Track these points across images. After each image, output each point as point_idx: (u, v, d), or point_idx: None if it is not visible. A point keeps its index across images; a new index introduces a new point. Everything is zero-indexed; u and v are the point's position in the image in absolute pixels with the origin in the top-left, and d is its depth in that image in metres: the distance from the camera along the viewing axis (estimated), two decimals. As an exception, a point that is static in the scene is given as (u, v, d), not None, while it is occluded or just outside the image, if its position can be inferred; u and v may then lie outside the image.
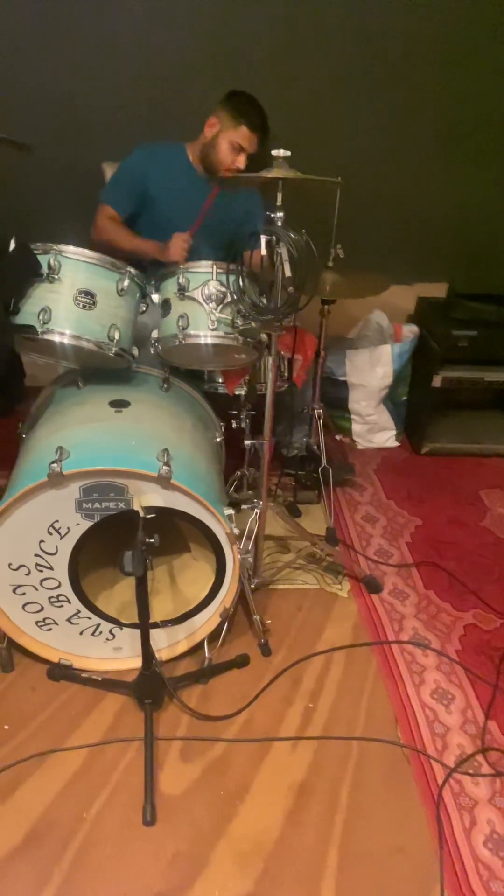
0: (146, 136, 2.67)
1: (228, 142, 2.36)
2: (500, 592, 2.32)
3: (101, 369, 2.03)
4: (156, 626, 1.92)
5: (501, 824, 1.60)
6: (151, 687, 1.78)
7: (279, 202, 1.76)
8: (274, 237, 1.71)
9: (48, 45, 2.73)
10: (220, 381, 2.28)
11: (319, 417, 2.60)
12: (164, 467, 1.66)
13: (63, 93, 2.81)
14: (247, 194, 2.52)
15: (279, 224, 1.73)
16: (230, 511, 1.84)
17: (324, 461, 2.60)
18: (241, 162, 2.37)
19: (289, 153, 1.74)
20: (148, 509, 1.69)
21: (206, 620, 1.96)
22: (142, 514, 1.66)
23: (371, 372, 3.09)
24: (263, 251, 1.72)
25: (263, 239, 1.71)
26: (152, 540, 1.52)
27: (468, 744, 1.79)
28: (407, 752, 1.77)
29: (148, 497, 1.72)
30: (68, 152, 2.88)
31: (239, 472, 2.47)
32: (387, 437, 3.24)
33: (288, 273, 1.65)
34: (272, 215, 1.74)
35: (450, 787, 1.68)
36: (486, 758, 1.76)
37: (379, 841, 1.55)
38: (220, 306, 1.88)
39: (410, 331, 3.16)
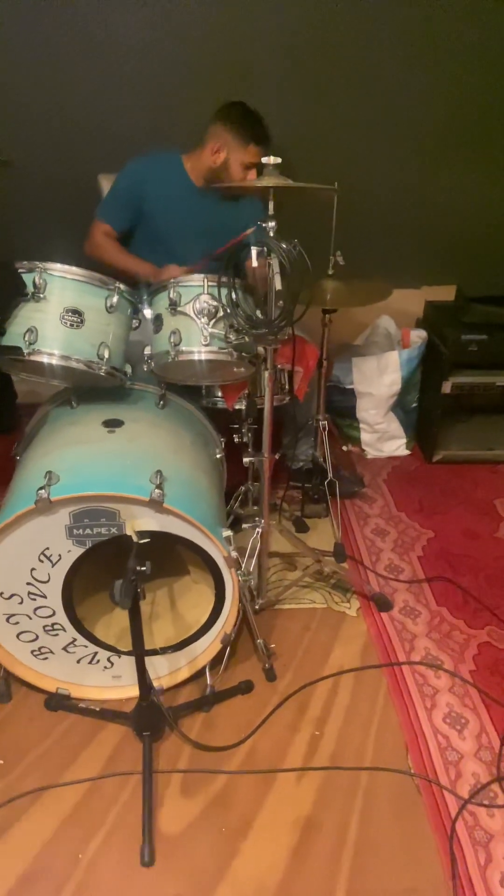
0: (144, 146, 2.62)
1: (240, 163, 2.34)
2: (515, 608, 2.23)
3: (95, 388, 1.97)
4: (155, 653, 1.86)
5: (519, 860, 1.52)
6: (150, 718, 1.72)
7: (271, 211, 1.70)
8: (265, 248, 1.64)
9: (43, 53, 2.69)
10: (220, 395, 2.21)
11: (324, 429, 2.53)
12: (157, 490, 1.60)
13: (56, 102, 2.78)
14: (250, 203, 2.46)
15: (270, 234, 1.66)
16: (228, 533, 1.77)
17: (330, 474, 2.52)
18: (252, 175, 2.35)
19: (279, 160, 1.67)
20: (141, 534, 1.63)
21: (208, 646, 1.89)
22: (135, 539, 1.61)
23: (379, 379, 3.01)
24: (255, 263, 1.65)
25: (254, 251, 1.65)
26: (143, 568, 1.46)
27: (483, 772, 1.71)
28: (418, 782, 1.69)
29: (141, 522, 1.66)
30: (62, 164, 2.85)
31: (243, 488, 2.40)
32: (397, 446, 3.16)
33: (279, 286, 1.58)
34: (263, 225, 1.68)
35: (464, 819, 1.60)
36: (502, 787, 1.67)
37: (389, 880, 1.47)
38: (213, 321, 1.82)
39: (419, 336, 3.08)
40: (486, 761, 1.73)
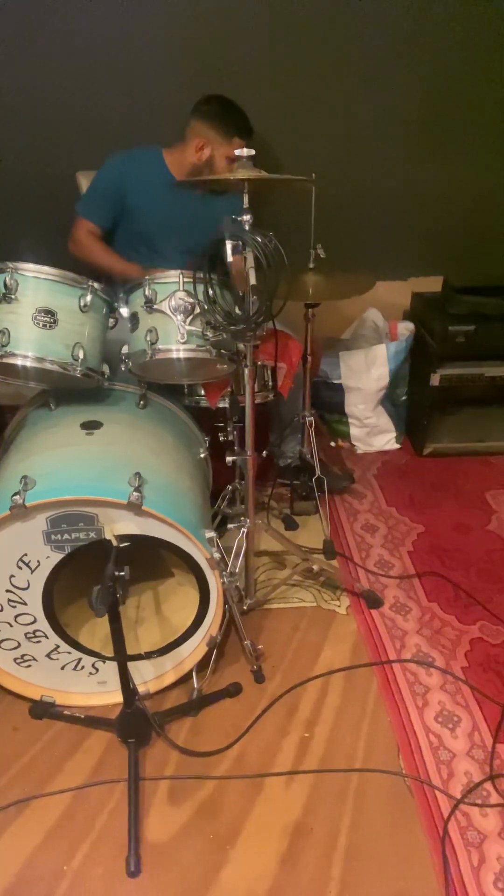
0: (123, 141, 2.58)
1: (225, 157, 2.31)
2: (508, 602, 2.20)
3: (73, 389, 1.94)
4: (140, 657, 1.83)
5: (513, 861, 1.49)
6: (135, 724, 1.69)
7: (246, 204, 1.66)
8: (240, 242, 1.60)
9: (18, 49, 2.64)
10: (202, 394, 2.18)
11: (311, 425, 2.50)
12: (135, 493, 1.56)
13: (32, 98, 2.72)
14: (232, 197, 2.42)
15: (245, 228, 1.62)
16: (212, 534, 1.74)
17: (317, 470, 2.49)
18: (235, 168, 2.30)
19: (253, 152, 1.64)
20: (121, 538, 1.60)
21: (194, 650, 1.86)
22: (114, 543, 1.57)
23: (367, 374, 2.98)
24: (230, 257, 1.62)
25: (230, 244, 1.61)
26: (122, 573, 1.43)
27: (475, 771, 1.68)
28: (410, 782, 1.66)
29: (120, 525, 1.62)
30: (39, 162, 2.80)
31: (230, 487, 2.37)
32: (386, 440, 3.13)
33: (254, 281, 1.54)
34: (238, 219, 1.64)
35: (456, 820, 1.57)
36: (494, 786, 1.64)
37: (380, 885, 1.44)
38: (190, 318, 1.78)
39: (406, 328, 3.05)
40: (479, 760, 1.70)
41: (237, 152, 1.64)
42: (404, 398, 3.17)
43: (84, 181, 2.67)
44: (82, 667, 1.83)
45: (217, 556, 1.70)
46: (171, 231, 2.43)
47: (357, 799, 1.62)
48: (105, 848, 1.52)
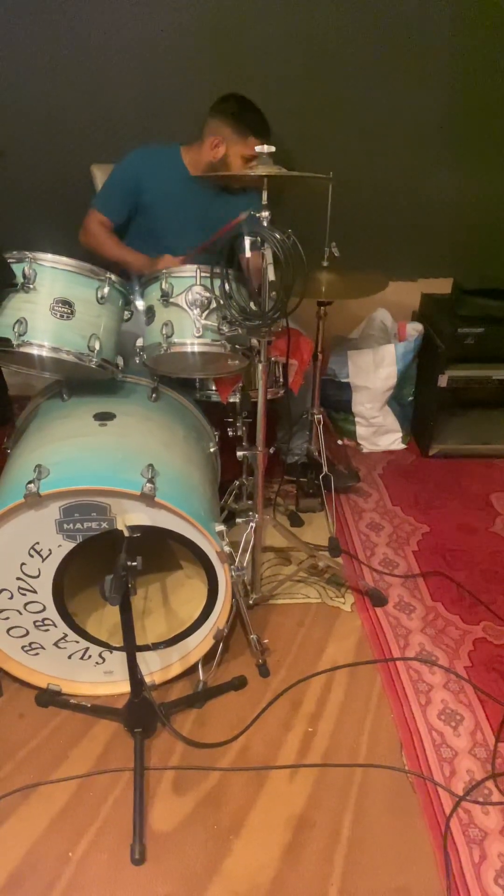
0: (138, 135, 2.60)
1: (241, 157, 2.31)
2: (511, 603, 2.22)
3: (86, 380, 1.95)
4: (147, 648, 1.84)
5: (513, 858, 1.50)
6: (141, 715, 1.70)
7: (265, 200, 1.67)
8: (259, 238, 1.61)
9: (36, 43, 2.65)
10: (213, 388, 2.19)
11: (319, 423, 2.51)
12: (148, 484, 1.58)
13: (50, 92, 2.74)
14: (247, 196, 2.43)
15: (264, 224, 1.63)
16: (221, 528, 1.75)
17: (325, 468, 2.50)
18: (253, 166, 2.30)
19: (273, 149, 1.65)
20: (133, 528, 1.61)
21: (201, 642, 1.87)
22: (126, 534, 1.58)
23: (374, 373, 2.99)
24: (248, 253, 1.63)
25: (248, 241, 1.62)
26: (135, 563, 1.44)
27: (478, 769, 1.69)
28: (412, 779, 1.67)
29: (132, 516, 1.63)
30: (55, 154, 2.81)
31: (237, 482, 2.38)
32: (392, 440, 3.14)
33: (272, 277, 1.55)
34: (257, 215, 1.65)
35: (458, 817, 1.58)
36: (496, 784, 1.66)
37: (381, 880, 1.46)
38: (206, 312, 1.79)
39: (415, 329, 3.05)
40: (481, 758, 1.72)
41: (257, 149, 1.65)
42: (411, 398, 3.18)
43: (99, 174, 2.68)
44: (89, 656, 1.84)
45: (227, 549, 1.71)
46: (185, 228, 2.43)
47: (360, 794, 1.63)
48: (110, 835, 1.53)
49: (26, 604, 1.73)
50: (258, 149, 1.64)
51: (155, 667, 1.89)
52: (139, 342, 1.90)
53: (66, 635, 1.79)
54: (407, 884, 1.45)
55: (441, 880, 1.46)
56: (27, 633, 1.78)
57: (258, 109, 2.32)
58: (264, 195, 1.66)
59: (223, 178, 2.23)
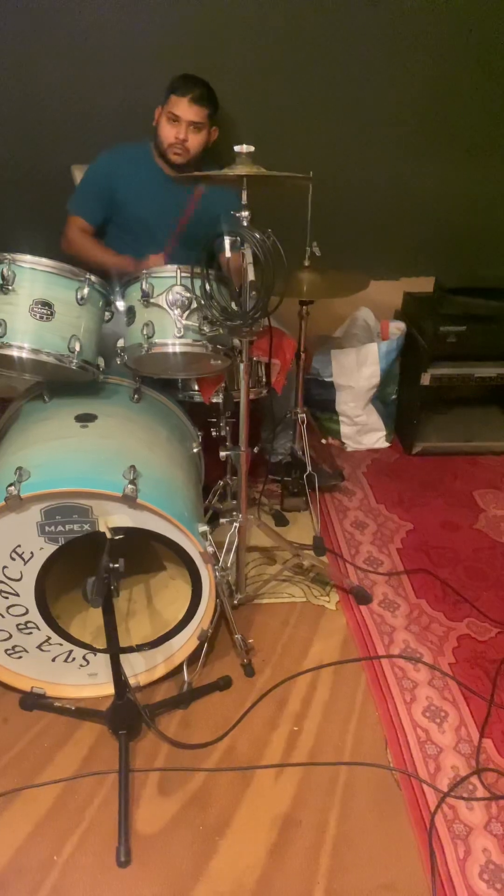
0: (118, 135, 2.58)
1: (165, 117, 2.28)
2: (495, 599, 2.22)
3: (68, 382, 1.94)
4: (131, 650, 1.83)
5: (497, 853, 1.51)
6: (126, 716, 1.69)
7: (244, 200, 1.66)
8: (238, 238, 1.61)
9: (12, 42, 2.63)
10: (196, 389, 2.19)
11: (303, 422, 2.51)
12: (130, 486, 1.57)
13: (28, 92, 2.71)
14: (225, 193, 2.42)
15: (244, 224, 1.63)
16: (204, 528, 1.74)
17: (309, 467, 2.51)
18: (181, 133, 2.27)
19: (252, 148, 1.64)
20: (115, 530, 1.61)
21: (185, 643, 1.87)
22: (108, 535, 1.58)
23: (358, 372, 3.00)
24: (228, 253, 1.63)
25: (227, 241, 1.62)
26: (117, 565, 1.43)
27: (462, 765, 1.70)
28: (397, 776, 1.68)
29: (114, 518, 1.63)
30: (32, 155, 2.79)
31: (221, 482, 2.38)
32: (376, 439, 3.14)
33: (252, 276, 1.55)
34: (237, 215, 1.65)
35: (443, 813, 1.59)
36: (480, 779, 1.67)
37: (367, 877, 1.46)
38: (187, 312, 1.79)
39: (397, 328, 3.06)
40: (466, 754, 1.72)
41: (236, 148, 1.64)
42: (394, 397, 3.19)
43: (78, 174, 2.67)
44: (73, 658, 1.83)
45: (210, 549, 1.71)
46: (160, 225, 2.42)
47: (345, 792, 1.63)
48: (95, 838, 1.53)
49: (8, 607, 1.72)
50: (237, 148, 1.63)
51: (139, 668, 1.88)
52: (120, 343, 1.90)
53: (49, 638, 1.78)
54: (393, 880, 1.46)
55: (426, 876, 1.46)
56: (10, 636, 1.77)
57: (197, 78, 2.28)
58: (244, 195, 1.65)
59: (199, 177, 2.22)
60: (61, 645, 1.80)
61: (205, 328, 1.79)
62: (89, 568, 1.44)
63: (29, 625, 1.75)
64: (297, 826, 1.56)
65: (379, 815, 1.59)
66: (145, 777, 1.66)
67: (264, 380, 2.19)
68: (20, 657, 1.81)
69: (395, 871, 1.47)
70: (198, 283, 1.76)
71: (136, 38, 2.66)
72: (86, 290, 1.76)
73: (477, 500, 2.76)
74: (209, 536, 1.75)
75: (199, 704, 1.85)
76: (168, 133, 2.28)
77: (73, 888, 1.44)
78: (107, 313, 1.89)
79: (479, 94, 2.91)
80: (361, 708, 1.85)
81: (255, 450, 2.05)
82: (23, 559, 1.64)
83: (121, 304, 1.91)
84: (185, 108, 2.23)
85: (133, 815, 1.57)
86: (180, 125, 2.25)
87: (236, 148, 1.64)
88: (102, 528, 1.61)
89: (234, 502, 2.34)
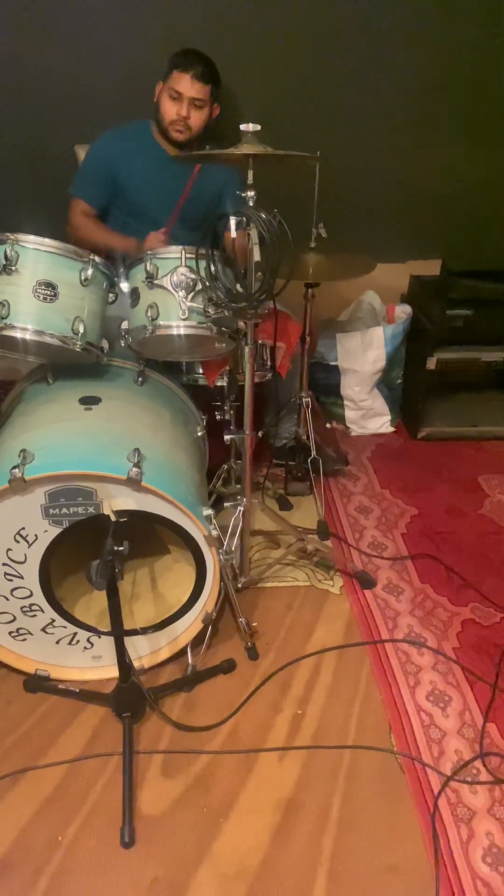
0: (120, 115, 2.55)
1: (167, 94, 2.25)
2: (500, 584, 2.22)
3: (71, 364, 1.92)
4: (135, 633, 1.83)
5: (501, 836, 1.51)
6: (130, 699, 1.69)
7: (250, 180, 1.64)
8: (244, 218, 1.59)
9: (15, 22, 2.59)
10: (200, 372, 2.17)
11: (308, 406, 2.50)
12: (134, 469, 1.56)
13: (30, 70, 2.68)
14: (222, 170, 2.39)
15: (250, 204, 1.61)
16: (209, 512, 1.74)
17: (313, 451, 2.50)
18: (183, 110, 2.24)
19: (258, 127, 1.62)
20: (120, 513, 1.60)
21: (189, 626, 1.87)
22: (113, 518, 1.57)
23: (363, 356, 2.98)
24: (233, 234, 1.61)
25: (233, 221, 1.60)
26: (121, 548, 1.43)
27: (466, 749, 1.70)
28: (401, 760, 1.67)
29: (119, 501, 1.62)
30: (35, 134, 2.76)
31: (226, 466, 2.37)
32: (381, 423, 3.13)
33: (257, 257, 1.53)
34: (243, 195, 1.63)
35: (446, 796, 1.59)
36: (484, 763, 1.67)
37: (370, 859, 1.46)
38: (192, 294, 1.77)
39: (403, 311, 3.04)
40: (469, 738, 1.72)
41: (242, 127, 1.62)
42: (400, 381, 3.17)
43: (82, 154, 2.64)
44: (77, 641, 1.83)
45: (214, 533, 1.70)
46: (163, 205, 2.39)
47: (349, 775, 1.64)
48: (99, 819, 1.53)
49: (13, 589, 1.71)
50: (244, 127, 1.61)
51: (143, 651, 1.88)
52: (124, 325, 1.88)
53: (53, 620, 1.78)
54: (396, 863, 1.46)
55: (430, 859, 1.46)
56: (14, 618, 1.77)
57: (199, 53, 2.25)
58: (250, 174, 1.63)
59: (202, 156, 2.19)
60: (65, 627, 1.80)
61: (209, 310, 1.77)
62: (94, 551, 1.44)
63: (33, 607, 1.75)
64: (300, 809, 1.56)
65: (382, 798, 1.59)
66: (149, 759, 1.67)
67: (269, 363, 2.18)
68: (24, 639, 1.81)
69: (399, 854, 1.48)
70: (202, 264, 1.74)
71: (139, 14, 2.63)
72: (89, 272, 1.74)
73: (482, 486, 2.75)
74: (213, 520, 1.74)
75: (203, 687, 1.85)
76: (169, 110, 2.25)
77: (77, 868, 1.44)
78: (111, 295, 1.88)
79: (488, 77, 2.87)
80: (365, 692, 1.85)
81: (260, 434, 2.05)
82: (27, 542, 1.64)
83: (125, 286, 1.89)
84: (188, 85, 2.20)
85: (137, 797, 1.58)
86: (182, 102, 2.23)
87: (242, 127, 1.61)
88: (107, 511, 1.61)
89: (239, 486, 2.34)
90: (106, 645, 1.84)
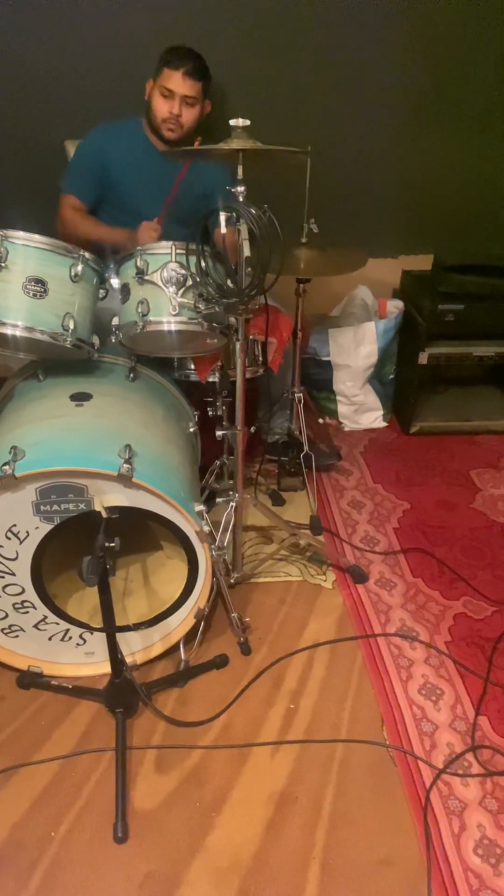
0: (113, 112, 2.54)
1: (158, 91, 2.24)
2: (491, 578, 2.23)
3: (62, 360, 1.92)
4: (128, 629, 1.83)
5: (492, 828, 1.52)
6: (123, 694, 1.70)
7: (240, 175, 1.64)
8: (234, 214, 1.59)
9: (4, 11, 2.58)
10: (192, 368, 2.17)
11: (300, 401, 2.50)
12: (126, 465, 1.56)
13: (19, 65, 2.66)
14: (214, 167, 2.38)
15: (240, 199, 1.61)
16: (201, 507, 1.74)
17: (306, 447, 2.50)
18: (174, 107, 2.23)
19: (248, 122, 1.62)
20: (111, 510, 1.60)
21: (182, 621, 1.87)
22: (104, 515, 1.57)
23: (355, 351, 2.98)
24: (223, 229, 1.60)
25: (223, 216, 1.60)
26: (113, 544, 1.43)
27: (457, 742, 1.71)
28: (393, 753, 1.68)
29: (110, 497, 1.62)
30: (25, 130, 2.74)
31: (218, 462, 2.37)
32: (374, 418, 3.13)
33: (247, 253, 1.53)
34: (233, 190, 1.63)
35: (438, 789, 1.60)
36: (475, 756, 1.68)
37: (363, 852, 1.47)
38: (182, 290, 1.77)
39: (395, 306, 3.04)
40: (461, 731, 1.73)
41: (232, 122, 1.61)
42: (392, 376, 3.17)
43: (72, 149, 2.63)
44: (70, 637, 1.83)
45: (206, 529, 1.70)
46: (154, 201, 2.39)
47: (341, 768, 1.64)
48: (92, 815, 1.54)
49: (5, 586, 1.71)
50: (233, 122, 1.60)
51: (136, 647, 1.89)
52: (115, 321, 1.88)
53: (45, 617, 1.78)
54: (388, 856, 1.47)
55: (422, 851, 1.47)
56: (6, 615, 1.77)
57: (190, 50, 2.24)
58: (240, 169, 1.63)
59: (193, 152, 2.18)
60: (58, 624, 1.80)
61: (200, 306, 1.77)
62: (86, 547, 1.44)
63: (25, 604, 1.75)
64: (293, 803, 1.57)
65: (375, 791, 1.60)
66: (142, 754, 1.67)
67: (261, 359, 2.18)
68: (17, 636, 1.81)
69: (391, 846, 1.48)
70: (193, 259, 1.74)
71: (129, 9, 2.62)
72: (80, 267, 1.73)
73: (474, 480, 2.76)
74: (205, 516, 1.75)
75: (196, 683, 1.86)
76: (161, 108, 2.24)
77: (70, 863, 1.45)
78: (101, 291, 1.87)
79: (479, 71, 2.86)
80: (358, 686, 1.86)
81: (252, 429, 2.05)
82: (18, 539, 1.64)
83: (115, 282, 1.88)
84: (179, 83, 2.19)
85: (130, 792, 1.58)
86: (173, 100, 2.22)
87: (232, 122, 1.61)
88: (98, 508, 1.61)
89: (231, 482, 2.34)
90: (98, 641, 1.84)
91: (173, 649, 1.89)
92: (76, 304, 1.76)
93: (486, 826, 1.53)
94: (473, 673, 1.89)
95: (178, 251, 1.76)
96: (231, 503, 2.00)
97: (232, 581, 2.10)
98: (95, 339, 1.85)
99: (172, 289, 1.77)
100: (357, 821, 1.53)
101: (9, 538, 1.63)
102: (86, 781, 1.61)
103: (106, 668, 1.79)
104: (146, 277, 1.77)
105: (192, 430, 2.12)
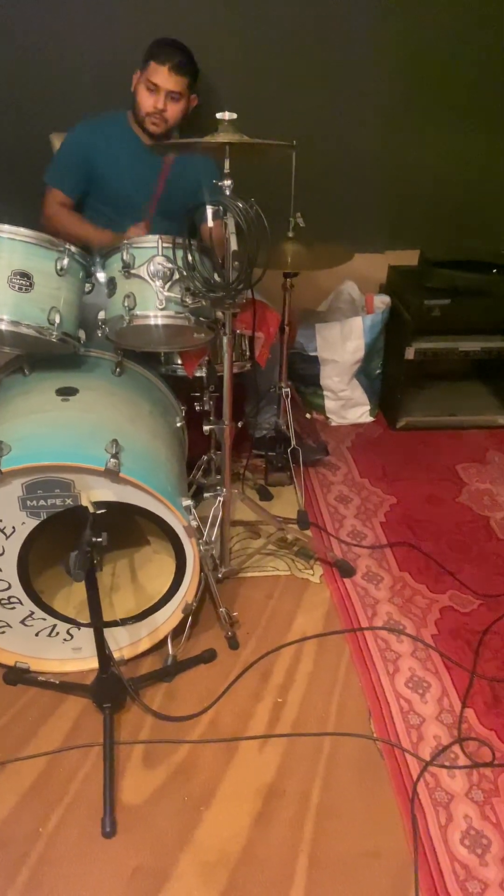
0: (98, 105, 2.52)
1: (143, 85, 2.22)
2: (478, 572, 2.24)
3: (47, 355, 1.91)
4: (115, 624, 1.83)
5: (478, 819, 1.53)
6: (110, 689, 1.69)
7: (227, 169, 1.64)
8: (221, 208, 1.58)
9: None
10: (179, 362, 2.16)
11: (287, 396, 2.50)
12: (112, 460, 1.56)
13: (2, 56, 2.64)
14: (202, 160, 2.37)
15: (226, 193, 1.61)
16: (188, 502, 1.74)
17: (293, 442, 2.50)
18: (160, 102, 2.22)
19: (235, 115, 1.61)
20: (98, 505, 1.59)
21: (169, 616, 1.87)
22: (91, 510, 1.57)
23: (342, 346, 2.98)
24: (210, 223, 1.60)
25: (209, 210, 1.59)
26: (100, 539, 1.42)
27: (444, 734, 1.72)
28: (381, 746, 1.69)
29: (97, 492, 1.61)
30: (9, 122, 2.72)
31: (206, 457, 2.37)
32: (361, 413, 3.14)
33: (234, 246, 1.53)
34: (219, 184, 1.62)
35: (425, 781, 1.61)
36: (462, 748, 1.69)
37: (351, 844, 1.48)
38: (169, 284, 1.76)
39: (382, 301, 3.05)
40: (448, 724, 1.74)
41: (218, 116, 1.61)
42: (379, 371, 3.18)
43: (57, 143, 2.61)
44: (57, 633, 1.83)
45: (194, 523, 1.70)
46: (140, 194, 2.38)
47: (329, 762, 1.65)
48: (80, 810, 1.53)
49: (-9, 582, 1.71)
50: (220, 115, 1.60)
51: (124, 642, 1.88)
52: (101, 315, 1.87)
53: (32, 613, 1.77)
54: (376, 848, 1.47)
55: (409, 843, 1.48)
56: (-7, 611, 1.76)
57: (177, 44, 2.23)
58: (226, 163, 1.63)
59: (179, 146, 2.17)
60: (45, 619, 1.79)
61: (187, 300, 1.76)
62: (72, 542, 1.43)
63: (12, 599, 1.74)
64: (281, 796, 1.57)
65: (362, 784, 1.60)
66: (130, 749, 1.67)
67: (248, 353, 2.18)
68: (3, 632, 1.80)
69: (379, 838, 1.49)
70: (180, 253, 1.73)
71: (117, 4, 2.60)
72: (65, 261, 1.72)
73: (460, 474, 2.77)
74: (193, 511, 1.74)
75: (184, 677, 1.86)
76: (146, 102, 2.23)
77: (58, 859, 1.44)
78: (87, 285, 1.86)
79: (465, 66, 2.87)
80: (345, 679, 1.86)
81: (239, 424, 2.05)
82: (4, 534, 1.63)
83: (101, 276, 1.87)
84: (165, 78, 2.18)
85: (118, 787, 1.58)
86: (159, 94, 2.21)
87: (218, 115, 1.61)
88: (85, 503, 1.60)
89: (219, 477, 2.34)
90: (86, 636, 1.83)
91: (161, 644, 1.89)
92: (62, 298, 1.75)
93: (473, 817, 1.54)
94: (460, 666, 1.90)
95: (165, 245, 1.76)
96: (218, 498, 2.00)
97: (219, 576, 2.10)
98: (81, 334, 1.85)
99: (159, 283, 1.76)
100: (344, 813, 1.54)
101: (-5, 534, 1.62)
102: (73, 777, 1.61)
103: (93, 664, 1.78)
104: (133, 271, 1.76)
105: (179, 424, 2.12)
